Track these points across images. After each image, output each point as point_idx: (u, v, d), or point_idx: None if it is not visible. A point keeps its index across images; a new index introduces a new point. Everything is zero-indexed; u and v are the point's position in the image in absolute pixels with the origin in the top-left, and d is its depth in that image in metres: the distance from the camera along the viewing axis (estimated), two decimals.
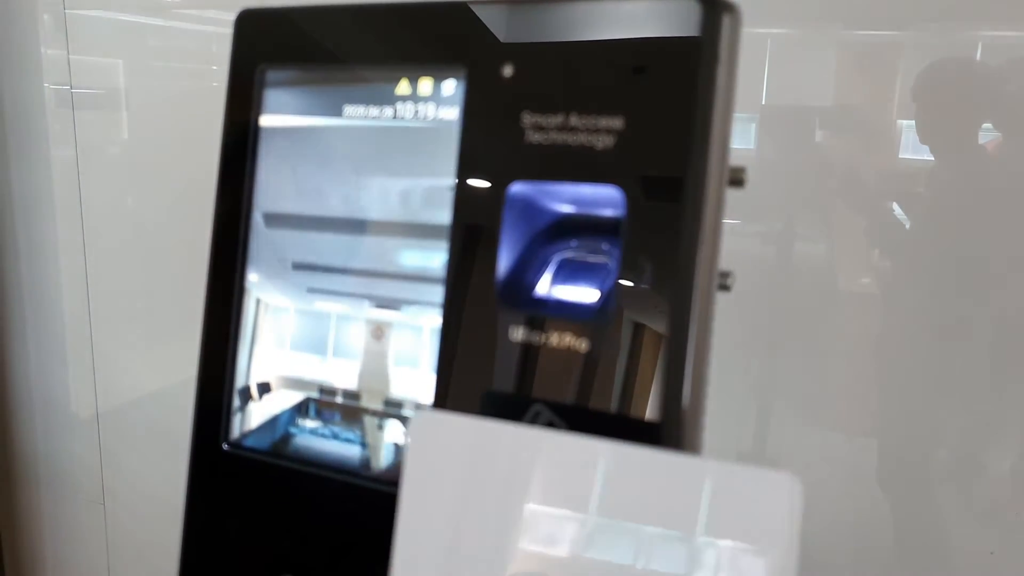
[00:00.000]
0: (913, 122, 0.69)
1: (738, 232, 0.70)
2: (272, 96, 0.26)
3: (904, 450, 0.73)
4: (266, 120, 0.27)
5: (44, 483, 1.02)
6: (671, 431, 0.22)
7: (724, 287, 0.27)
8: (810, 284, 0.74)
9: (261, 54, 0.26)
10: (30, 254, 0.97)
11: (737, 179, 0.26)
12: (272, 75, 0.26)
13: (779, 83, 0.72)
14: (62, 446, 1.00)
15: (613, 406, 0.23)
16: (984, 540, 0.69)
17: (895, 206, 0.71)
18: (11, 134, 0.93)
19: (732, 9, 0.22)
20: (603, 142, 0.23)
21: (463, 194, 0.24)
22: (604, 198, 0.23)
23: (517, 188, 0.24)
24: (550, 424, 0.23)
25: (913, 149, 0.71)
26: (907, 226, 0.71)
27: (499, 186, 0.24)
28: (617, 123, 0.23)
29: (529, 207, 0.25)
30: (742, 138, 0.73)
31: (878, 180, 0.72)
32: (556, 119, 0.23)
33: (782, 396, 0.76)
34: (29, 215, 0.95)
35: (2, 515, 1.03)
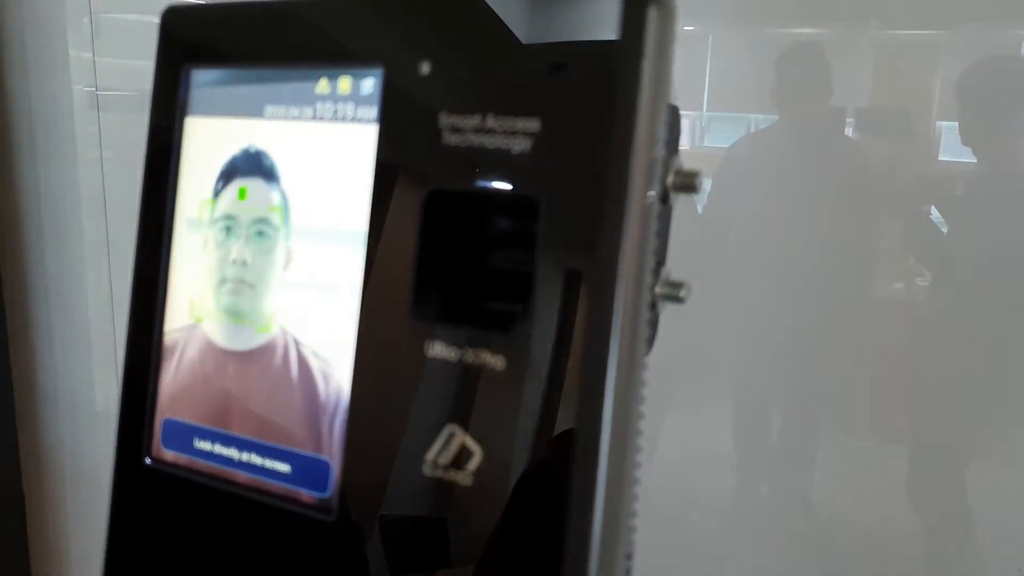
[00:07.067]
0: (952, 124, 0.67)
1: (768, 237, 0.68)
2: (197, 96, 0.25)
3: (935, 461, 0.71)
4: (191, 122, 0.26)
5: (69, 480, 1.04)
6: (590, 444, 0.21)
7: (676, 299, 0.25)
8: (843, 290, 0.72)
9: (186, 53, 0.25)
10: (57, 254, 0.98)
11: (688, 185, 0.25)
12: (197, 75, 0.25)
13: (814, 84, 0.70)
14: (87, 443, 1.01)
15: (530, 425, 0.21)
16: (1014, 557, 0.66)
17: (933, 210, 0.68)
18: (39, 135, 0.95)
19: (660, 1, 0.21)
20: (520, 145, 0.21)
21: (379, 198, 0.23)
22: (526, 205, 0.22)
23: (435, 192, 0.22)
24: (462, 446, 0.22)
25: (953, 151, 0.68)
26: (945, 230, 0.68)
27: (417, 190, 0.22)
28: (534, 125, 0.21)
29: (451, 213, 0.23)
30: (774, 140, 0.71)
31: (916, 183, 0.69)
32: (473, 120, 0.22)
33: (811, 402, 0.74)
34: (55, 215, 0.97)
35: (28, 511, 1.05)
